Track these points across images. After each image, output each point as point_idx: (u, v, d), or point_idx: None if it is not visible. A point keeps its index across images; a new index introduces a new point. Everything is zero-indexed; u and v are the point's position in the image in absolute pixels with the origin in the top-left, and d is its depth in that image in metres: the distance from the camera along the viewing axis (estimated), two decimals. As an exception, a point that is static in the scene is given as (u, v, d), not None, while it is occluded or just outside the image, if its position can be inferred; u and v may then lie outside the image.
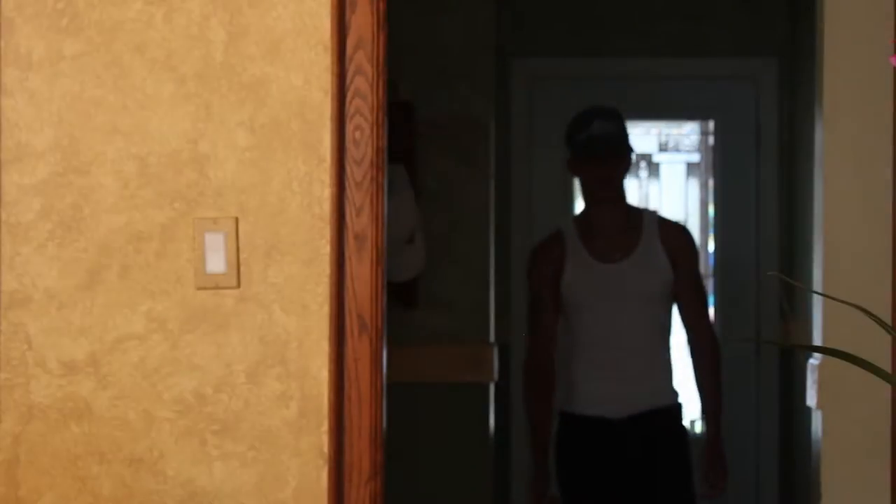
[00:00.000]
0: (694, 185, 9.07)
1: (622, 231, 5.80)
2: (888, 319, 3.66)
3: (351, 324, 3.67)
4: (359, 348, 3.69)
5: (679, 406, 6.13)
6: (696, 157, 9.05)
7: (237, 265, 3.66)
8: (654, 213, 6.13)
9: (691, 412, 6.81)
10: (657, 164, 9.05)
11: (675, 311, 6.13)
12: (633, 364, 5.84)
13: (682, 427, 6.09)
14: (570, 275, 5.87)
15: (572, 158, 6.24)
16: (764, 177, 8.07)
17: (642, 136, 8.89)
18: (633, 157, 6.16)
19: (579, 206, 8.94)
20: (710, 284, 8.60)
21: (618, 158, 5.94)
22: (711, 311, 8.03)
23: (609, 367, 5.83)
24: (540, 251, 6.06)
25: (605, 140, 5.81)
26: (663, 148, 9.07)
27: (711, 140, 8.84)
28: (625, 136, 5.95)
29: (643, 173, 9.03)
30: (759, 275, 8.37)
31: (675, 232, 6.03)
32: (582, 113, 6.03)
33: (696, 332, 6.03)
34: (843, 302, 3.03)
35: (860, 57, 3.74)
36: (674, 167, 9.09)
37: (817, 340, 4.69)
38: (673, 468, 5.94)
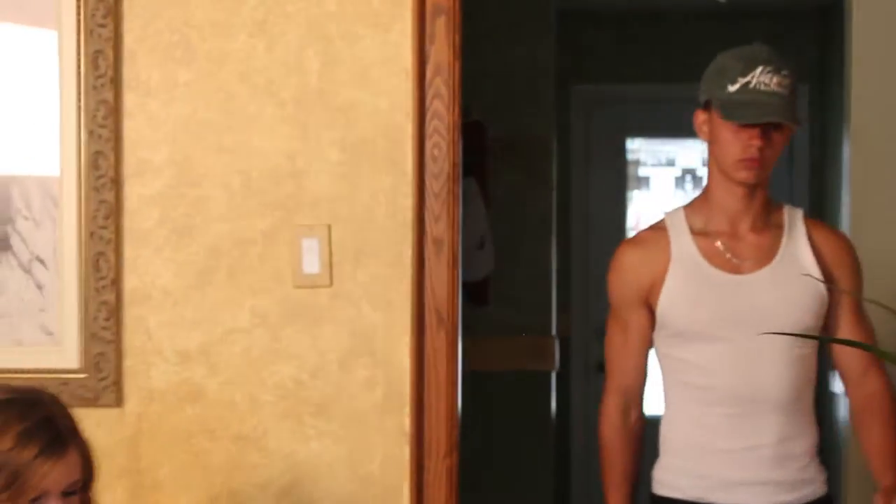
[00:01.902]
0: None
1: (757, 229, 3.50)
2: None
3: (430, 318, 3.73)
4: (437, 340, 3.74)
5: (831, 498, 3.65)
6: None
7: (330, 266, 3.72)
8: (797, 209, 3.59)
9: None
10: (700, 178, 9.00)
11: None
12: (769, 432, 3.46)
13: None
14: (672, 287, 3.52)
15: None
16: (797, 190, 7.98)
17: (688, 151, 8.87)
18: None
19: (634, 215, 8.92)
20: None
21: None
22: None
23: (735, 435, 3.47)
24: (629, 249, 3.75)
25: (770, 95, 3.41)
26: (705, 162, 9.01)
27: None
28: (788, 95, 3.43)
29: (689, 182, 8.97)
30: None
31: (832, 239, 3.59)
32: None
33: (869, 379, 3.53)
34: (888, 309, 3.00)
35: (885, 81, 3.72)
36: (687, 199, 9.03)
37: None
38: None
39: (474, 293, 5.71)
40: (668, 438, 3.62)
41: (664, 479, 3.59)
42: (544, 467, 6.31)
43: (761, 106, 3.38)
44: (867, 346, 3.21)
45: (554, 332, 6.29)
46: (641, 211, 8.91)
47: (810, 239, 3.48)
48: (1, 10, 3.72)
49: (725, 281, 3.45)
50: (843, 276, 3.51)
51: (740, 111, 3.38)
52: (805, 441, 3.49)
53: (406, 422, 3.69)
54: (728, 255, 3.46)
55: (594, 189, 8.55)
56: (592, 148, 8.53)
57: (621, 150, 8.75)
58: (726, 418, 3.47)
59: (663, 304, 3.50)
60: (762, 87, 3.37)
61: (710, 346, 3.42)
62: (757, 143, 3.36)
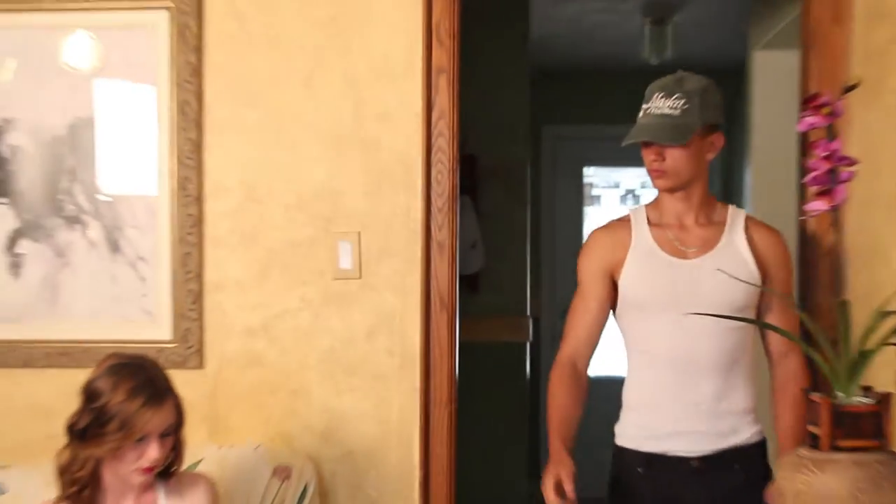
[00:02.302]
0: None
1: (701, 224, 3.29)
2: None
3: (435, 302, 3.76)
4: (440, 319, 3.76)
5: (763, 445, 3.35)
6: None
7: (359, 263, 3.74)
8: (740, 210, 3.33)
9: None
10: (639, 196, 8.95)
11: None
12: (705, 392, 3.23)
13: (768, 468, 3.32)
14: (631, 266, 3.35)
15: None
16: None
17: (630, 177, 8.91)
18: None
19: (588, 224, 8.93)
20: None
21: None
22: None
23: (676, 393, 3.29)
24: (599, 232, 3.51)
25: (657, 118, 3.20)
26: (644, 185, 8.98)
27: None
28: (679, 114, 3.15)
29: (630, 201, 8.95)
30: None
31: (766, 235, 3.28)
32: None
33: (789, 360, 3.28)
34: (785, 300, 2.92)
35: (778, 125, 3.68)
36: (651, 197, 8.99)
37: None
38: None
39: (468, 283, 5.68)
40: (626, 398, 3.40)
41: (622, 432, 3.39)
42: (520, 415, 6.22)
43: (642, 128, 3.20)
44: (783, 331, 3.05)
45: (528, 312, 6.22)
46: (594, 221, 8.94)
47: (747, 234, 3.24)
48: (116, 71, 3.72)
49: (673, 263, 3.25)
50: (774, 266, 3.25)
51: (630, 134, 3.22)
52: (739, 398, 3.23)
53: (417, 380, 3.70)
54: (676, 244, 3.27)
55: (558, 204, 8.51)
56: (557, 174, 8.52)
57: (579, 176, 8.72)
58: (671, 379, 3.25)
59: (623, 281, 3.32)
60: (654, 111, 3.18)
61: (659, 317, 3.22)
62: (651, 157, 3.21)
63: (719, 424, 3.21)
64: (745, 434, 3.23)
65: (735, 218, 3.28)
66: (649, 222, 3.33)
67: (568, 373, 3.40)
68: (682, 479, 3.22)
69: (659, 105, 3.17)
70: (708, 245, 3.23)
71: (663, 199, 3.30)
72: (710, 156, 3.23)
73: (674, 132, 3.13)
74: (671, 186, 3.24)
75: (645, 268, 3.29)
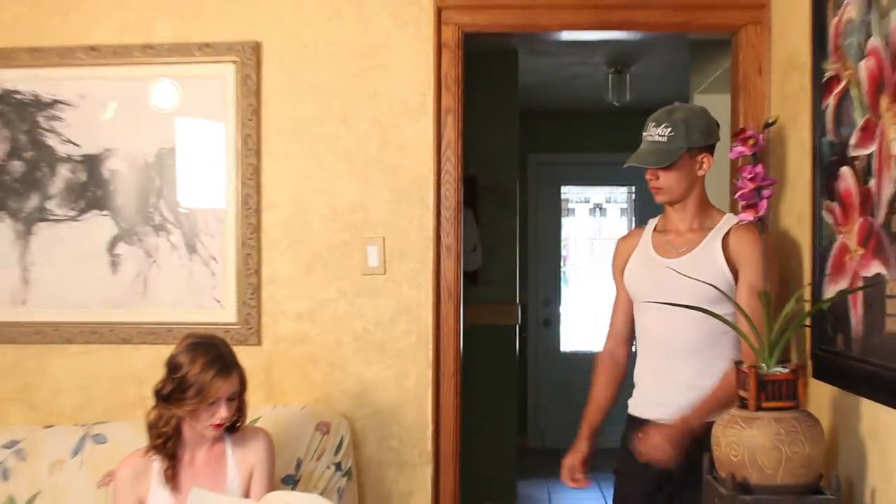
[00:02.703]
0: (624, 221, 8.92)
1: (694, 230, 3.14)
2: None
3: (444, 294, 3.75)
4: (448, 306, 3.75)
5: None
6: (626, 205, 8.91)
7: (384, 262, 3.73)
8: (734, 217, 3.13)
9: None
10: (605, 209, 8.95)
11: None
12: (684, 370, 3.10)
13: None
14: (631, 265, 3.29)
15: None
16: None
17: (598, 194, 8.92)
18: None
19: (564, 231, 8.94)
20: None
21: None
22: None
23: (661, 371, 3.17)
24: (619, 240, 3.43)
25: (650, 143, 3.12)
26: (608, 200, 8.96)
27: (634, 197, 8.64)
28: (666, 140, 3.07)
29: (598, 213, 8.97)
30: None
31: (740, 237, 3.07)
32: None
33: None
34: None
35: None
36: (614, 210, 8.98)
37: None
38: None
39: (470, 278, 5.68)
40: (634, 375, 3.26)
41: (630, 402, 3.27)
42: (510, 383, 6.21)
43: (638, 154, 3.11)
44: (719, 317, 2.83)
45: (517, 301, 6.23)
46: (568, 229, 8.97)
47: (726, 237, 3.05)
48: (193, 111, 3.72)
49: (659, 262, 3.13)
50: (741, 261, 3.00)
51: (629, 159, 3.13)
52: (716, 379, 3.01)
53: (430, 355, 3.69)
54: (668, 246, 3.15)
55: (541, 216, 8.52)
56: (540, 191, 8.53)
57: (557, 193, 8.69)
58: (658, 359, 3.14)
59: (625, 278, 3.27)
60: (648, 139, 3.10)
61: (648, 308, 3.13)
62: (648, 178, 3.12)
63: (696, 398, 3.02)
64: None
65: (723, 224, 3.11)
66: (655, 229, 3.26)
67: (606, 365, 3.37)
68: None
69: (651, 133, 3.10)
70: (691, 247, 3.11)
71: (667, 210, 3.22)
72: (701, 173, 3.12)
73: (659, 156, 3.07)
74: (667, 201, 3.16)
75: (639, 266, 3.24)
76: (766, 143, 3.19)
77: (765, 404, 2.51)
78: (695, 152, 3.09)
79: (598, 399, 3.35)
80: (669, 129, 3.07)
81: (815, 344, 2.93)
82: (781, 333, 2.58)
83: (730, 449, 2.51)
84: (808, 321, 2.86)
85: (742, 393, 2.57)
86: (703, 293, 2.95)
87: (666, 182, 3.11)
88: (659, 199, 3.17)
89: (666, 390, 3.12)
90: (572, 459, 3.28)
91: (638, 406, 3.23)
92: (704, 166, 3.11)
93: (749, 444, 2.47)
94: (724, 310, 2.90)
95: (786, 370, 2.54)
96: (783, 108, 3.37)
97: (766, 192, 2.86)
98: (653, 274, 3.17)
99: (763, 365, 2.56)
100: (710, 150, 3.14)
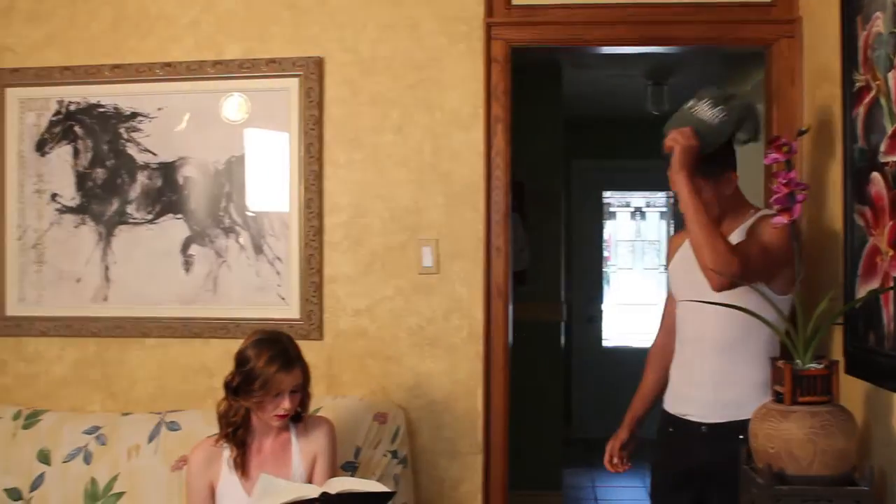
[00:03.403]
0: (662, 224, 8.89)
1: (729, 230, 2.94)
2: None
3: (494, 291, 3.72)
4: (497, 304, 3.72)
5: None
6: (665, 209, 8.87)
7: (438, 262, 3.71)
8: (765, 211, 2.99)
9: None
10: (645, 213, 8.91)
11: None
12: (711, 367, 2.96)
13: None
14: (672, 263, 3.19)
15: None
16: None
17: (638, 198, 8.88)
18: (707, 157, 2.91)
19: (606, 233, 8.89)
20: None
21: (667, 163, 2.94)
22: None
23: (690, 368, 3.05)
24: (670, 239, 3.33)
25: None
26: (648, 204, 8.92)
27: (673, 201, 8.58)
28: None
29: (638, 216, 8.92)
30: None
31: (759, 224, 2.93)
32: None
33: None
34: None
35: (747, 159, 3.61)
36: (653, 214, 8.94)
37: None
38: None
39: (518, 277, 5.66)
40: (670, 370, 3.16)
41: (664, 396, 3.16)
42: (556, 376, 6.20)
43: (675, 119, 2.99)
44: (750, 312, 2.72)
45: (562, 299, 6.21)
46: (610, 231, 8.92)
47: (751, 228, 2.92)
48: (260, 122, 3.74)
49: (692, 260, 2.86)
50: (757, 236, 2.87)
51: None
52: (745, 373, 2.89)
53: (480, 349, 3.67)
54: None
55: (584, 219, 8.44)
56: (583, 196, 8.44)
57: (599, 198, 8.64)
58: (689, 354, 3.03)
59: (668, 275, 3.20)
60: (698, 114, 2.95)
61: (684, 305, 3.04)
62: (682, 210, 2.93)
63: (724, 395, 2.92)
64: (751, 408, 2.67)
65: (750, 219, 2.98)
66: None
67: (656, 357, 3.28)
68: (694, 441, 2.98)
69: (703, 109, 2.94)
70: None
71: None
72: (729, 192, 2.98)
73: (704, 139, 2.88)
74: None
75: (678, 265, 3.16)
76: (799, 149, 3.14)
77: (800, 398, 2.47)
78: (719, 172, 2.95)
79: (644, 389, 3.30)
80: (724, 114, 2.93)
81: (847, 341, 2.88)
82: (815, 331, 2.54)
83: (767, 441, 2.47)
84: (840, 319, 2.81)
85: (778, 388, 2.54)
86: (733, 291, 2.80)
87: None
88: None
89: (693, 387, 3.04)
90: (612, 444, 3.27)
91: (668, 400, 3.16)
92: (732, 185, 2.99)
93: (785, 437, 2.43)
94: (752, 304, 2.75)
95: (820, 366, 2.50)
96: (815, 116, 3.33)
97: (799, 197, 2.81)
98: (688, 272, 3.04)
99: (798, 361, 2.53)
100: (732, 167, 3.00)
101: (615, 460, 3.27)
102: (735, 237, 2.94)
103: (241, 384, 2.85)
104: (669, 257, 3.26)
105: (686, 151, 2.85)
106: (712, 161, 2.94)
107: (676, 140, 2.87)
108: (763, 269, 2.85)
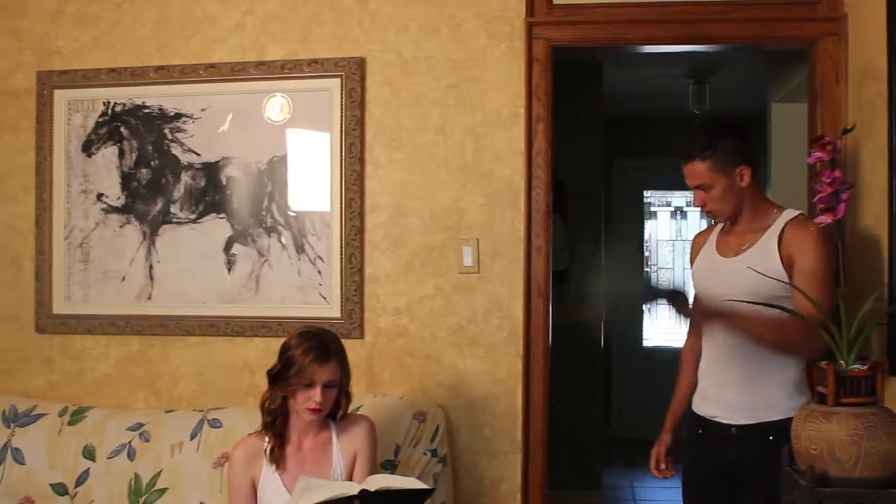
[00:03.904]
0: (703, 224, 8.76)
1: (753, 229, 2.95)
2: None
3: (534, 291, 3.71)
4: (537, 303, 3.71)
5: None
6: None
7: (478, 261, 3.71)
8: (791, 213, 2.96)
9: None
10: (686, 212, 8.84)
11: None
12: (739, 369, 2.95)
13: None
14: (696, 264, 3.18)
15: None
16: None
17: (679, 198, 8.82)
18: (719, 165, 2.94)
19: (647, 233, 8.84)
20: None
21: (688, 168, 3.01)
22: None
23: (718, 370, 3.04)
24: (694, 237, 3.32)
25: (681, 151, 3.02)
26: (689, 203, 8.85)
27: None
28: (697, 146, 2.96)
29: (679, 216, 8.86)
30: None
31: (797, 233, 2.88)
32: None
33: None
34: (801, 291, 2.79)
35: (790, 164, 3.58)
36: (694, 213, 8.88)
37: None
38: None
39: (558, 277, 5.66)
40: (698, 371, 3.13)
41: (694, 398, 3.13)
42: (596, 376, 6.18)
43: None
44: (789, 310, 2.70)
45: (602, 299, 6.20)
46: (651, 230, 8.88)
47: (782, 234, 2.87)
48: (302, 122, 3.74)
49: (718, 261, 3.01)
50: (796, 256, 2.81)
51: None
52: (772, 377, 2.88)
53: (520, 348, 3.66)
54: (728, 245, 3.02)
55: (624, 219, 8.40)
56: (623, 196, 8.42)
57: (640, 197, 8.62)
58: (717, 356, 3.00)
59: (692, 275, 3.15)
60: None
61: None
62: (697, 205, 3.03)
63: (753, 397, 2.90)
64: (781, 409, 2.81)
65: (779, 222, 2.93)
66: (722, 229, 3.12)
67: (688, 358, 3.25)
68: (724, 443, 2.96)
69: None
70: (748, 247, 2.96)
71: None
72: (744, 184, 2.96)
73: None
74: (725, 219, 3.05)
75: (703, 265, 3.14)
76: (843, 148, 3.11)
77: (843, 399, 2.44)
78: (731, 164, 2.95)
79: (681, 391, 3.26)
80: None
81: (892, 342, 2.84)
82: (859, 331, 2.50)
83: (809, 442, 2.44)
84: (885, 320, 2.78)
85: (821, 388, 2.50)
86: (759, 293, 2.81)
87: (714, 206, 2.98)
88: (717, 220, 3.09)
89: (721, 389, 3.00)
90: (657, 450, 3.24)
91: (697, 402, 3.13)
92: (745, 178, 2.96)
93: (828, 438, 2.40)
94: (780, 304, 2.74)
95: (864, 367, 2.46)
96: (860, 115, 3.28)
97: (843, 196, 2.77)
98: (713, 273, 3.04)
99: (841, 362, 2.50)
100: (745, 160, 2.98)
101: (662, 466, 3.24)
102: (763, 243, 2.92)
103: (280, 371, 2.89)
104: (693, 257, 3.23)
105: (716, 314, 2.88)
106: (725, 153, 2.95)
107: (709, 318, 2.93)
108: (829, 289, 2.78)
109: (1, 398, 3.82)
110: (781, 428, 2.70)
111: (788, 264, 2.87)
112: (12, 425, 3.70)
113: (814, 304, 2.60)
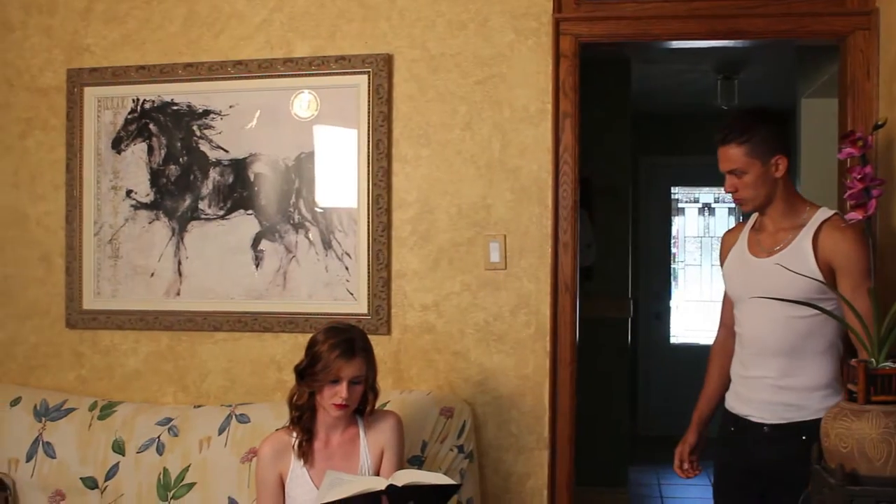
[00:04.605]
0: (731, 221, 8.76)
1: (784, 228, 2.93)
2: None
3: (561, 287, 3.70)
4: (564, 299, 3.70)
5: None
6: (733, 205, 8.73)
7: (505, 258, 3.70)
8: (826, 212, 2.92)
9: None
10: (714, 209, 8.82)
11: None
12: (771, 369, 2.92)
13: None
14: (727, 263, 3.13)
15: None
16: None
17: (707, 194, 8.79)
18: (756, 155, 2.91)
19: (674, 229, 8.81)
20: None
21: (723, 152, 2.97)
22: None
23: (751, 369, 3.00)
24: (724, 234, 3.26)
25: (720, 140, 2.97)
26: (717, 200, 8.82)
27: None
28: (735, 130, 2.93)
29: (706, 212, 8.83)
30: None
31: (834, 235, 2.84)
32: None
33: None
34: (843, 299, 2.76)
35: (821, 156, 3.56)
36: (722, 210, 8.85)
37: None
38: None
39: (585, 273, 5.63)
40: (730, 369, 3.11)
41: (726, 396, 3.11)
42: (623, 372, 6.17)
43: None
44: (827, 311, 2.70)
45: (629, 295, 6.17)
46: (678, 227, 8.84)
47: (817, 234, 2.84)
48: (329, 118, 3.76)
49: (749, 261, 2.98)
50: (836, 259, 2.80)
51: None
52: (805, 378, 2.86)
53: (547, 345, 3.66)
54: (760, 245, 2.97)
55: (652, 215, 8.41)
56: (651, 192, 8.41)
57: (668, 193, 8.59)
58: (749, 356, 2.98)
59: (723, 274, 3.12)
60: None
61: (741, 305, 3.00)
62: (727, 191, 3.01)
63: (784, 398, 2.88)
64: (812, 409, 2.80)
65: (814, 221, 2.89)
66: (753, 227, 3.09)
67: (717, 356, 3.23)
68: (757, 441, 2.94)
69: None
70: (781, 247, 2.92)
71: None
72: (778, 174, 2.93)
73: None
74: (753, 209, 3.02)
75: (734, 264, 3.09)
76: (874, 144, 3.07)
77: (874, 398, 2.41)
78: (769, 152, 2.92)
79: (708, 389, 3.24)
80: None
81: (923, 340, 2.80)
82: (890, 330, 2.47)
83: (839, 440, 2.42)
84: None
85: (851, 387, 2.48)
86: (791, 294, 2.80)
87: (745, 193, 2.95)
88: (745, 209, 3.03)
89: (754, 388, 2.98)
90: (681, 449, 3.23)
91: (730, 400, 3.10)
92: (780, 168, 2.94)
93: (858, 436, 2.37)
94: (813, 310, 2.73)
95: (895, 365, 2.44)
96: (891, 110, 3.25)
97: (875, 192, 2.74)
98: (745, 273, 3.02)
99: (872, 360, 2.47)
100: (782, 150, 2.95)
101: (685, 465, 3.22)
102: (798, 243, 2.88)
103: (307, 366, 2.91)
104: (723, 256, 3.18)
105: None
106: (762, 140, 2.92)
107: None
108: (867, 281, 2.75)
109: (32, 393, 3.86)
110: (815, 428, 2.61)
111: (825, 267, 2.83)
112: (43, 419, 3.73)
113: (856, 315, 2.54)
